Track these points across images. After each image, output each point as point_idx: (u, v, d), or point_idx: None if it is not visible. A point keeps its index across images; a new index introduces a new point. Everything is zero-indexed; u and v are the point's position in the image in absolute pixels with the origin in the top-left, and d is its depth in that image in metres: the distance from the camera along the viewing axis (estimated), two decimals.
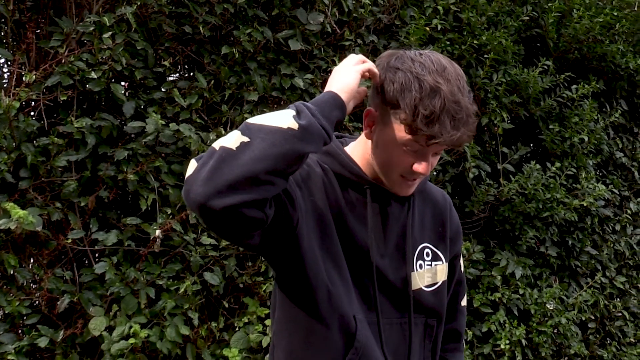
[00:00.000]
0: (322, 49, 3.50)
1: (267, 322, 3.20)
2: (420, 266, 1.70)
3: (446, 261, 1.77)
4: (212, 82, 3.24)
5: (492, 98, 4.00)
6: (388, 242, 1.66)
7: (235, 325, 3.20)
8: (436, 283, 1.74)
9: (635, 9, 4.91)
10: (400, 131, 1.47)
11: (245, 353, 3.17)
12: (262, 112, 3.33)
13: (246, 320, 3.20)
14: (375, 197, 1.64)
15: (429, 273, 1.72)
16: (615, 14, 4.61)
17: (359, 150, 1.66)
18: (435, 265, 1.74)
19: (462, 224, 4.05)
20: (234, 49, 3.23)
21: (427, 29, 3.73)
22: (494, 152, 4.15)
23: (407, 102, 1.43)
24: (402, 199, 1.66)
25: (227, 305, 3.23)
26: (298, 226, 1.49)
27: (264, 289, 3.22)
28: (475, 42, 3.91)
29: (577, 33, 4.46)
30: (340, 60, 3.53)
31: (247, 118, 3.23)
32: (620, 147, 4.99)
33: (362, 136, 1.65)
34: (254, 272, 3.23)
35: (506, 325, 3.95)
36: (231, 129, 3.26)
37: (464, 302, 1.93)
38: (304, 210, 1.51)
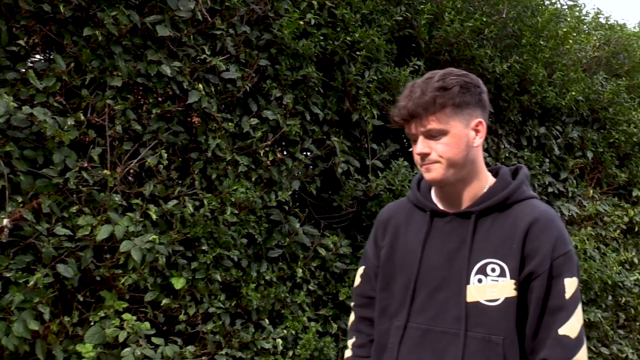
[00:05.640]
0: (192, 36, 3.39)
1: (125, 316, 3.09)
2: (480, 280, 1.79)
3: (512, 278, 1.77)
4: (73, 64, 3.07)
5: (364, 95, 4.05)
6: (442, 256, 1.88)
7: (91, 319, 3.07)
8: (498, 299, 1.77)
9: (504, 15, 5.14)
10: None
11: (101, 349, 3.06)
12: (126, 98, 3.21)
13: (102, 315, 3.07)
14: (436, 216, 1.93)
15: (494, 288, 1.77)
16: (485, 19, 4.81)
17: None
18: (503, 280, 1.77)
19: (330, 218, 4.12)
20: (98, 32, 3.08)
21: (301, 22, 3.72)
22: (363, 148, 4.22)
23: None
24: (463, 215, 1.87)
25: (81, 299, 3.09)
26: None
27: (122, 281, 3.10)
28: (348, 38, 3.95)
29: (448, 36, 4.60)
30: (211, 49, 3.48)
31: (109, 104, 3.13)
32: (485, 147, 5.22)
33: None
34: (112, 264, 3.11)
35: None
36: (91, 115, 3.13)
37: (563, 331, 1.74)
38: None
